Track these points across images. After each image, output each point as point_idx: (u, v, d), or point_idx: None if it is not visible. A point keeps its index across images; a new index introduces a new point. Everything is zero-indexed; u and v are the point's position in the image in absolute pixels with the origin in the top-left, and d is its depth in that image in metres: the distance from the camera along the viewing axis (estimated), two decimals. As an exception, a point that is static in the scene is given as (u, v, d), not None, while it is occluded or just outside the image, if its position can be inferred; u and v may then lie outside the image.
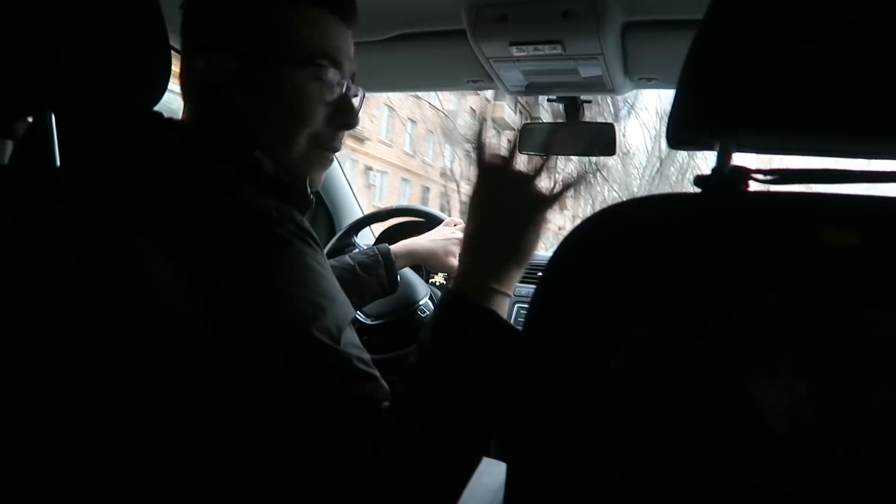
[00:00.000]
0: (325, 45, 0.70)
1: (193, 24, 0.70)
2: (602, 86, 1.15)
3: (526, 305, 0.54)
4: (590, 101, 1.29)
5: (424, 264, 1.25)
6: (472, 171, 0.70)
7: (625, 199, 0.51)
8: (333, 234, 1.87)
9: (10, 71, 0.52)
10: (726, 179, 0.47)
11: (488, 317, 0.62)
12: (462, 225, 1.27)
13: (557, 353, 0.47)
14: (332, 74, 0.71)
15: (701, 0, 0.47)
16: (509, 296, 0.66)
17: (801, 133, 0.46)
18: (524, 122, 1.34)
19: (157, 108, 0.67)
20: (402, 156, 16.93)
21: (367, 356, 0.61)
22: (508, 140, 0.71)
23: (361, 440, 0.56)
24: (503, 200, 0.67)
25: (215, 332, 0.55)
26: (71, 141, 0.57)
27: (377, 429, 0.57)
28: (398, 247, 1.20)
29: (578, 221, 0.49)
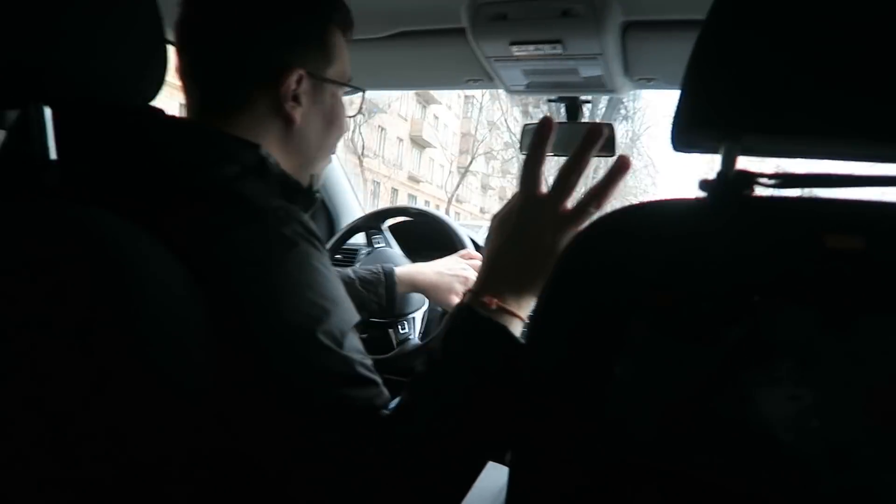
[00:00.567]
0: (347, 64, 0.77)
1: (258, 38, 0.70)
2: (602, 86, 1.14)
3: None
4: (589, 101, 1.28)
5: (425, 295, 1.23)
6: (510, 187, 0.67)
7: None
8: (333, 232, 1.87)
9: (2, 61, 0.52)
10: (731, 184, 0.46)
11: (500, 332, 0.60)
12: (476, 261, 1.24)
13: (559, 361, 0.46)
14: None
15: (703, 0, 0.47)
16: (522, 319, 0.63)
17: (808, 136, 0.45)
18: (524, 123, 1.33)
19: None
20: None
21: (369, 361, 0.61)
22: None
23: (361, 445, 0.56)
24: (532, 227, 0.63)
25: (215, 333, 0.55)
26: (68, 134, 0.56)
27: (376, 434, 0.57)
28: (402, 272, 1.19)
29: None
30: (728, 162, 0.47)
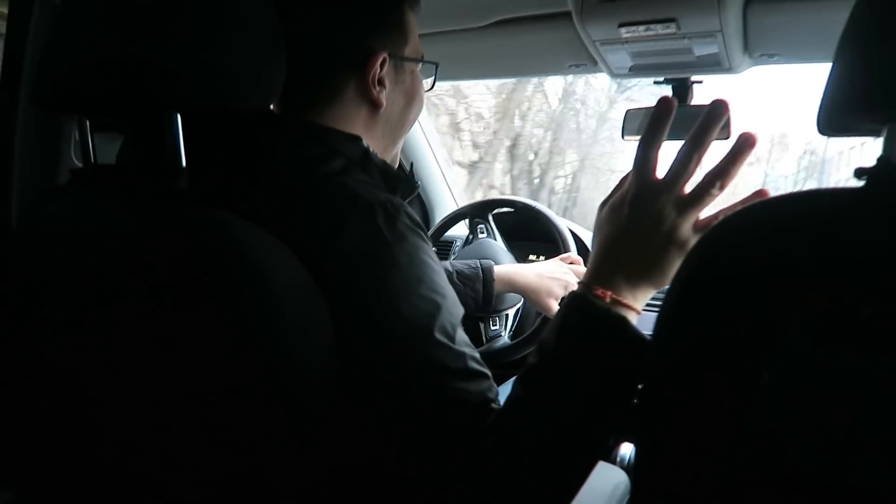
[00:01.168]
0: (417, 39, 0.76)
1: (343, 26, 0.70)
2: (718, 64, 1.07)
3: (654, 307, 0.50)
4: (701, 82, 1.21)
5: (523, 296, 1.21)
6: (627, 168, 0.62)
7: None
8: (428, 222, 1.88)
9: (142, 70, 0.54)
10: (894, 171, 0.41)
11: (618, 324, 0.57)
12: (579, 266, 1.22)
13: (696, 364, 0.43)
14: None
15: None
16: (637, 311, 0.60)
17: None
18: (626, 109, 1.26)
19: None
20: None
21: (477, 354, 0.60)
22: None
23: (478, 439, 0.55)
24: (650, 214, 0.59)
25: (337, 334, 0.55)
26: (193, 141, 0.58)
27: (492, 427, 0.56)
28: (501, 270, 1.18)
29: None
30: (891, 146, 0.42)
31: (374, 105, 0.72)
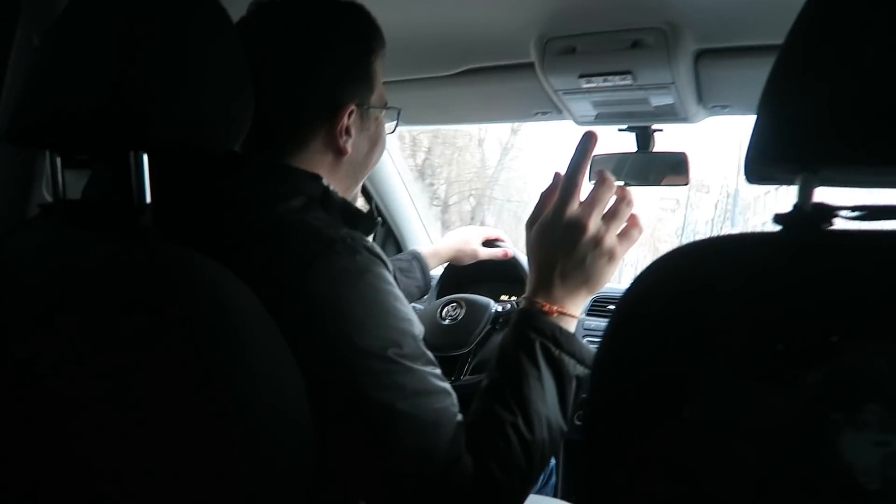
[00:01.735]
0: (381, 85, 0.80)
1: (315, 83, 0.73)
2: (674, 114, 1.13)
3: (596, 339, 0.53)
4: (661, 130, 1.26)
5: (454, 260, 1.40)
6: (551, 190, 0.73)
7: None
8: (397, 242, 1.90)
9: (109, 111, 0.56)
10: (808, 216, 0.45)
11: (565, 336, 0.65)
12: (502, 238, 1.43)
13: (625, 399, 0.45)
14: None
15: (777, 25, 0.46)
16: (576, 317, 0.69)
17: (891, 166, 0.43)
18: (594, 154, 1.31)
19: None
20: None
21: (439, 370, 0.64)
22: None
23: (454, 457, 0.59)
24: (580, 230, 0.67)
25: (303, 374, 0.56)
26: (163, 180, 0.60)
27: (466, 443, 0.60)
28: (426, 251, 1.37)
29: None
30: (805, 194, 0.45)
31: (340, 152, 0.75)
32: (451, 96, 1.24)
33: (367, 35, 0.75)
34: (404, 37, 0.79)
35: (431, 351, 0.65)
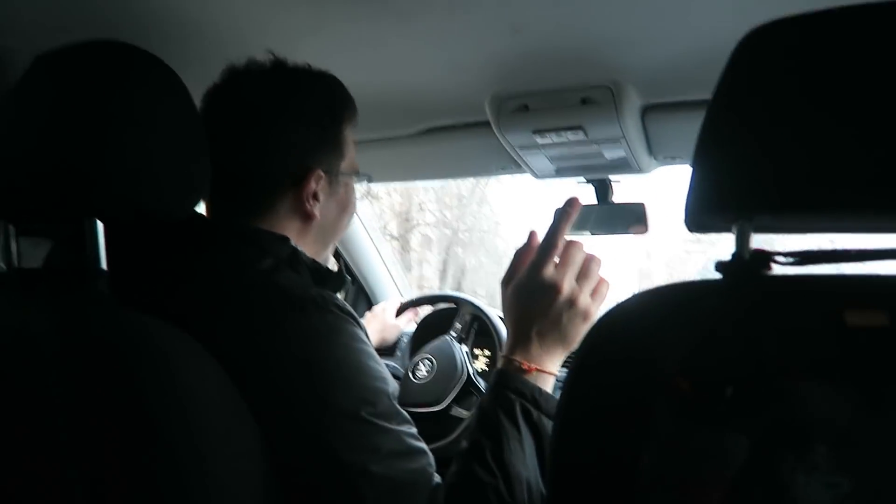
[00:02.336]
0: (353, 152, 0.81)
1: (283, 149, 0.74)
2: (628, 166, 1.16)
3: None
4: (619, 182, 1.30)
5: (383, 343, 1.49)
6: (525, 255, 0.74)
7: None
8: (368, 299, 1.89)
9: (59, 178, 0.56)
10: (747, 264, 0.46)
11: (543, 396, 0.66)
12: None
13: (585, 448, 0.45)
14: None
15: (716, 81, 0.48)
16: (554, 374, 0.70)
17: (823, 212, 0.45)
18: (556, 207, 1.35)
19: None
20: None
21: (414, 429, 0.64)
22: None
23: None
24: (555, 291, 0.69)
25: (266, 431, 0.55)
26: (119, 246, 0.60)
27: (435, 502, 0.60)
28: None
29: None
30: (742, 242, 0.47)
31: (308, 216, 0.75)
32: (414, 155, 1.27)
33: (336, 104, 0.77)
34: (367, 98, 0.81)
35: (405, 408, 0.64)
